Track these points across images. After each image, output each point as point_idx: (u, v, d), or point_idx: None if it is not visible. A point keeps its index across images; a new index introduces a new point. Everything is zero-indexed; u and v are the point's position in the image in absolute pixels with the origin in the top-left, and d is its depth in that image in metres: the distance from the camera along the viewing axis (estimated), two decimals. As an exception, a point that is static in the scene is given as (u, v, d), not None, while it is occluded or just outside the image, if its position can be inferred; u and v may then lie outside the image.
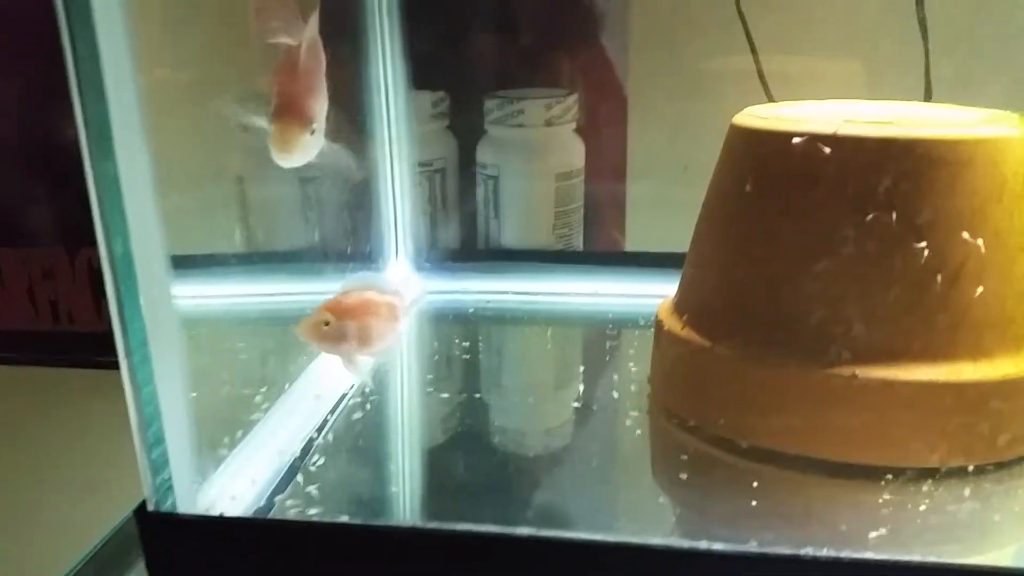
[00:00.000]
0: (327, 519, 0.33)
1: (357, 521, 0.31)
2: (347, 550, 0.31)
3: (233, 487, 0.35)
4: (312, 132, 0.34)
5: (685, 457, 0.39)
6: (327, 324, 0.38)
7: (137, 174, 0.29)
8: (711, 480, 0.37)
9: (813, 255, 0.36)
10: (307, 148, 0.34)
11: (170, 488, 0.31)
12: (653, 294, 0.59)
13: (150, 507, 0.30)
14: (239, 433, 0.39)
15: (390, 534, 0.31)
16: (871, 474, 0.35)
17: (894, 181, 0.35)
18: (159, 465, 0.31)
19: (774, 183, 0.38)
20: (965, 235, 0.35)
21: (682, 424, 0.41)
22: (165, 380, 0.31)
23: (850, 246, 0.36)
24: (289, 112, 0.35)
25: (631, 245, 0.72)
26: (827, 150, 0.36)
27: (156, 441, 0.30)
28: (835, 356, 0.36)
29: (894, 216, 0.35)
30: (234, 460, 0.37)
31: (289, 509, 0.34)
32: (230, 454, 0.37)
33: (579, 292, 0.62)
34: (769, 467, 0.37)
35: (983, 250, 0.36)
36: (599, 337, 0.56)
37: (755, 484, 0.36)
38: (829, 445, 0.36)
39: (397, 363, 0.52)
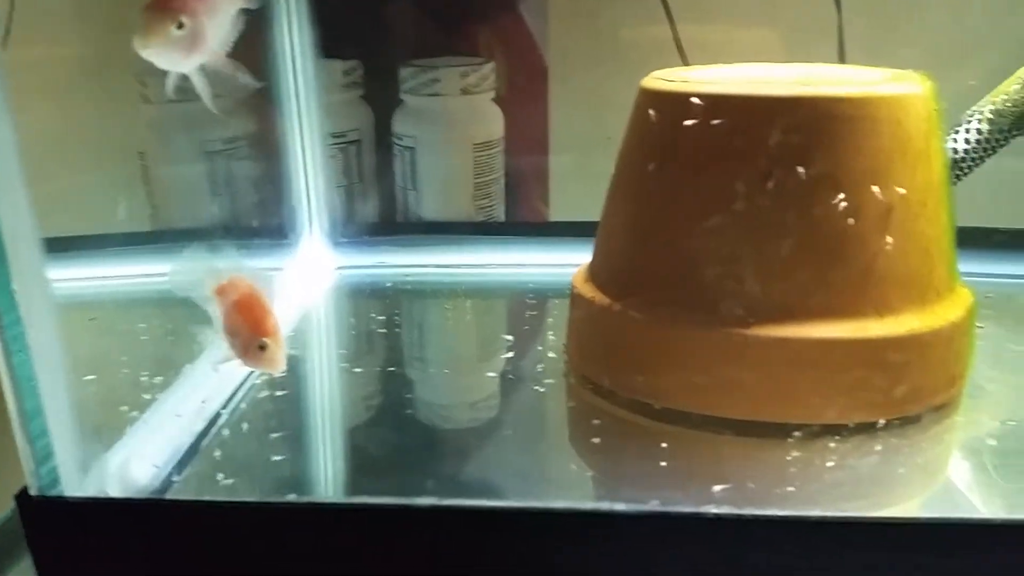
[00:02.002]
0: (226, 497, 0.32)
1: (254, 499, 0.31)
2: (245, 529, 0.30)
3: (128, 469, 0.34)
4: (181, 27, 0.31)
5: (598, 422, 0.39)
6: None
7: (2, 157, 0.27)
8: (623, 443, 0.37)
9: (707, 212, 0.37)
10: (175, 45, 0.31)
11: (55, 472, 0.30)
12: (575, 263, 0.59)
13: (32, 492, 0.29)
14: (135, 414, 0.38)
15: (289, 511, 0.30)
16: (779, 432, 0.36)
17: (793, 138, 0.36)
18: (42, 450, 0.30)
19: (672, 143, 0.38)
20: (875, 189, 0.36)
21: (597, 389, 0.41)
22: (45, 366, 0.29)
23: (744, 202, 0.36)
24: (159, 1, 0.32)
25: (556, 216, 0.72)
26: (724, 109, 0.37)
27: (39, 430, 0.29)
28: (731, 314, 0.36)
29: (798, 173, 0.36)
30: (129, 442, 0.36)
31: (187, 489, 0.33)
32: (124, 435, 0.36)
33: (501, 263, 0.62)
34: (680, 428, 0.37)
35: (886, 206, 0.36)
36: (519, 308, 0.56)
37: (664, 445, 0.36)
38: (732, 404, 0.37)
39: (310, 340, 0.52)
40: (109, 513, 0.30)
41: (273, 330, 0.35)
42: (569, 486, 0.36)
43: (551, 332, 0.50)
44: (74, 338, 0.50)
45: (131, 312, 0.55)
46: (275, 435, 0.40)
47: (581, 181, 0.70)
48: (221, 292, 0.37)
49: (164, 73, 0.34)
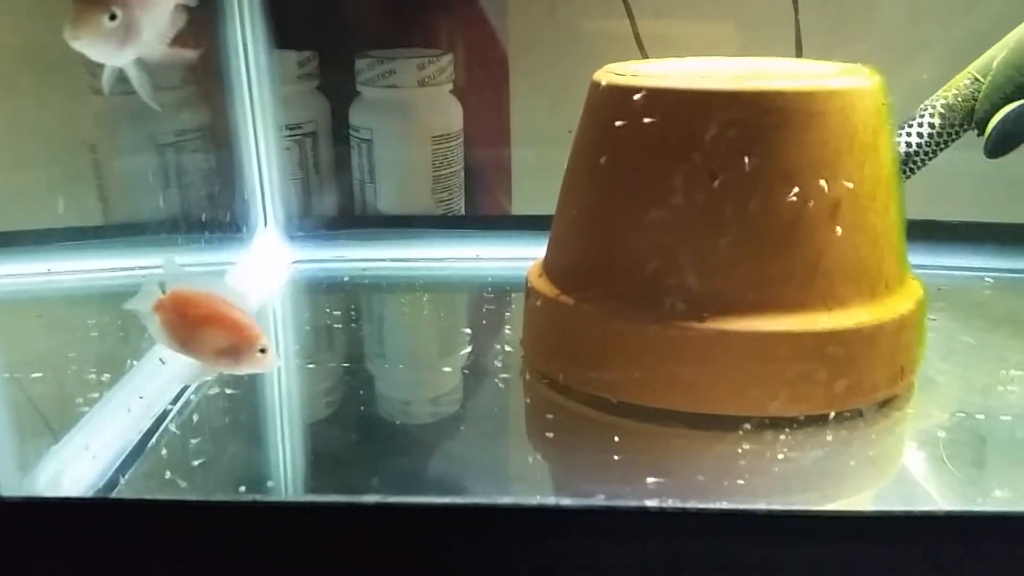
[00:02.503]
0: (172, 496, 0.32)
1: (201, 497, 0.30)
2: (193, 528, 0.30)
3: (72, 467, 0.34)
4: (114, 18, 0.31)
5: (552, 416, 0.39)
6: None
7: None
8: (577, 437, 0.37)
9: (651, 207, 0.37)
10: (107, 37, 0.31)
11: (-9, 472, 0.29)
12: (536, 257, 0.59)
13: (-31, 492, 0.29)
14: (83, 410, 0.37)
15: (239, 509, 0.30)
16: (729, 425, 0.36)
17: (734, 132, 0.36)
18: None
19: (618, 137, 0.39)
20: (822, 183, 0.36)
21: (552, 384, 0.41)
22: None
23: (685, 197, 0.36)
24: None
25: (518, 210, 0.72)
26: (666, 103, 0.37)
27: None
28: (674, 308, 0.37)
29: (740, 166, 0.36)
30: (73, 440, 0.35)
31: (134, 488, 0.33)
32: (69, 434, 0.35)
33: (460, 257, 0.61)
34: (633, 422, 0.38)
35: (834, 199, 0.37)
36: (478, 302, 0.56)
37: (616, 439, 0.36)
38: (680, 397, 0.37)
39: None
40: (49, 513, 0.29)
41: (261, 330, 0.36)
42: (523, 480, 0.36)
43: (509, 326, 0.50)
44: (20, 335, 0.50)
45: (81, 308, 0.54)
46: (227, 433, 0.39)
47: (543, 175, 0.69)
48: (164, 308, 0.37)
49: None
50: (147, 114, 0.61)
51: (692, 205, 0.36)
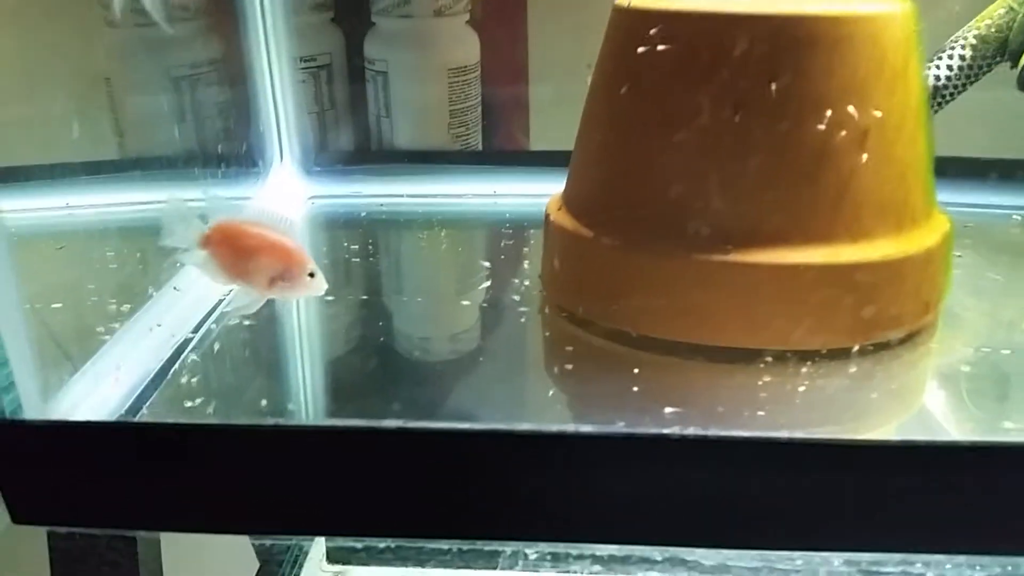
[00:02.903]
0: (193, 420, 0.32)
1: (224, 422, 0.31)
2: (216, 452, 0.30)
3: (93, 395, 0.34)
4: None
5: (571, 349, 0.39)
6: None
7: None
8: (596, 369, 0.37)
9: (674, 133, 0.36)
10: None
11: (14, 396, 0.30)
12: (553, 193, 0.59)
13: (-8, 416, 0.29)
14: (104, 339, 0.38)
15: (259, 432, 0.30)
16: (750, 357, 0.36)
17: (760, 56, 0.35)
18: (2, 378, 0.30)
19: (641, 63, 0.38)
20: (850, 110, 0.36)
21: (572, 318, 0.41)
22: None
23: (710, 123, 0.36)
24: None
25: (536, 146, 0.71)
26: (689, 26, 0.36)
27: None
28: (698, 238, 0.36)
29: (766, 92, 0.35)
30: (95, 368, 0.36)
31: (156, 414, 0.33)
32: (90, 362, 0.36)
33: (478, 193, 0.61)
34: (652, 354, 0.37)
35: (862, 127, 0.36)
36: (496, 237, 0.56)
37: (636, 371, 0.36)
38: (701, 329, 0.37)
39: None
40: (72, 435, 0.30)
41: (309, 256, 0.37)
42: (541, 410, 0.36)
43: (528, 261, 0.50)
44: (41, 267, 0.50)
45: (100, 241, 0.54)
46: (247, 362, 0.40)
47: (561, 109, 0.69)
48: (212, 241, 0.37)
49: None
50: (161, 47, 0.61)
51: (716, 133, 0.36)
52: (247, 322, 0.42)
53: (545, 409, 0.36)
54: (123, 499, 0.30)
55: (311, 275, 0.36)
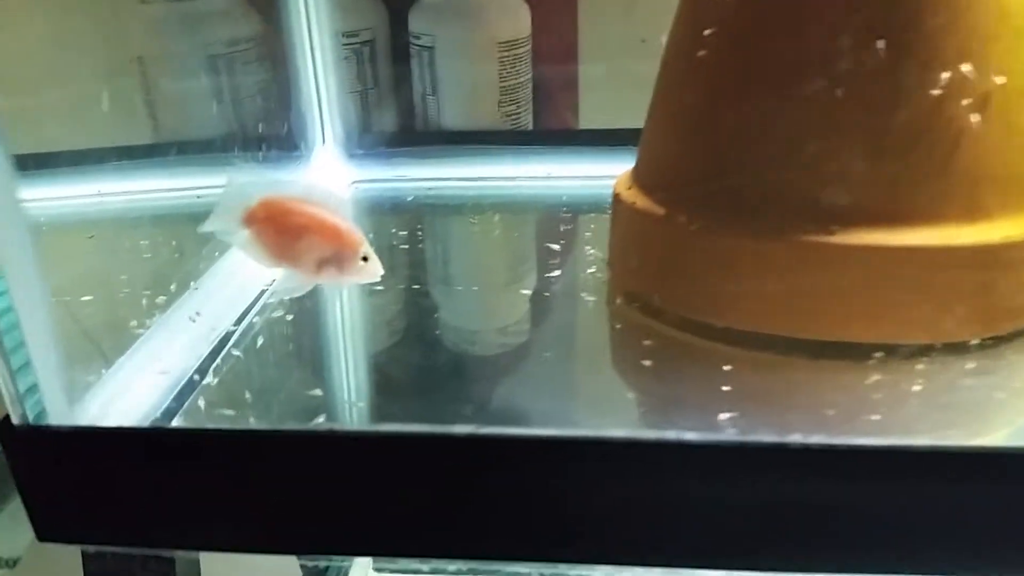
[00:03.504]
0: (236, 426, 0.29)
1: (261, 427, 0.27)
2: (253, 459, 0.27)
3: (126, 394, 0.31)
4: None
5: (648, 343, 0.35)
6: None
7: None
8: (678, 367, 0.34)
9: (772, 99, 0.32)
10: None
11: (38, 400, 0.26)
12: (611, 175, 0.55)
13: (15, 420, 0.26)
14: (139, 332, 0.34)
15: (304, 439, 0.27)
16: (859, 353, 0.32)
17: (874, 12, 0.31)
18: (24, 378, 0.26)
19: (732, 18, 0.34)
20: (966, 69, 0.31)
21: (646, 308, 0.37)
22: (23, 292, 0.26)
23: (816, 86, 0.31)
24: None
25: (585, 124, 0.67)
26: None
27: (15, 348, 0.26)
28: (804, 217, 0.32)
29: (881, 56, 0.31)
30: (128, 365, 0.32)
31: (192, 418, 0.30)
32: (123, 358, 0.33)
33: (530, 176, 0.57)
34: (743, 350, 0.33)
35: (982, 94, 0.32)
36: (552, 222, 0.52)
37: (727, 368, 0.32)
38: (799, 322, 0.32)
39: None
40: (101, 443, 0.26)
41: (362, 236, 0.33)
42: (618, 414, 0.32)
43: (590, 247, 0.46)
44: (70, 258, 0.47)
45: (133, 230, 0.51)
46: (291, 358, 0.36)
47: (613, 86, 0.65)
48: (256, 219, 0.34)
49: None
50: (197, 23, 0.58)
51: (817, 97, 0.32)
52: (289, 316, 0.38)
53: (625, 413, 0.32)
54: (158, 514, 0.27)
55: (364, 259, 0.33)
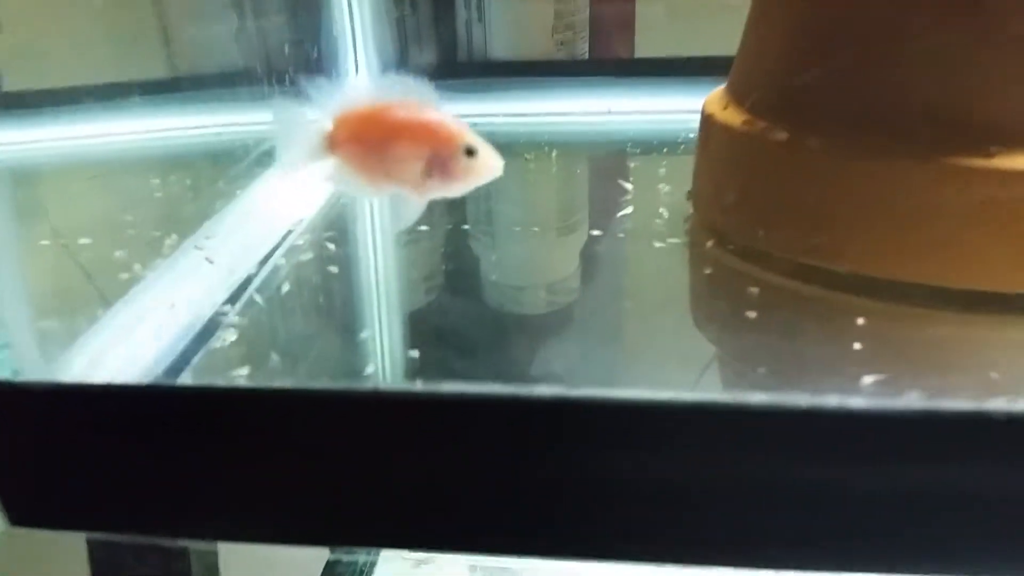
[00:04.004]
0: (257, 384, 0.23)
1: (277, 385, 0.21)
2: (287, 425, 0.21)
3: (122, 346, 0.25)
4: None
5: (753, 290, 0.29)
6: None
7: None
8: (794, 318, 0.28)
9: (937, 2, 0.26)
10: None
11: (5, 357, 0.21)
12: (679, 109, 0.49)
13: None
14: (144, 275, 0.29)
15: (355, 401, 0.21)
16: (1016, 304, 0.26)
17: None
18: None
19: None
20: None
21: (744, 251, 0.31)
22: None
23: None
24: None
25: (641, 54, 0.60)
26: None
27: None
28: (969, 139, 0.26)
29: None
30: (122, 314, 0.27)
31: (201, 373, 0.25)
32: (119, 306, 0.27)
33: (587, 111, 0.51)
34: (871, 300, 0.27)
35: None
36: (614, 160, 0.46)
37: (860, 322, 0.26)
38: (945, 266, 0.26)
39: (358, 204, 0.42)
40: (85, 404, 0.21)
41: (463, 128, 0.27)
42: (732, 373, 0.26)
43: (665, 184, 0.40)
44: (73, 200, 0.42)
45: (146, 170, 0.46)
46: (319, 308, 0.31)
47: (669, 11, 0.58)
48: (338, 140, 0.28)
49: None
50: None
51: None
52: (305, 256, 0.33)
53: (735, 371, 0.26)
54: (155, 494, 0.22)
55: (469, 152, 0.27)
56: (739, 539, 0.20)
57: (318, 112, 0.28)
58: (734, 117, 0.31)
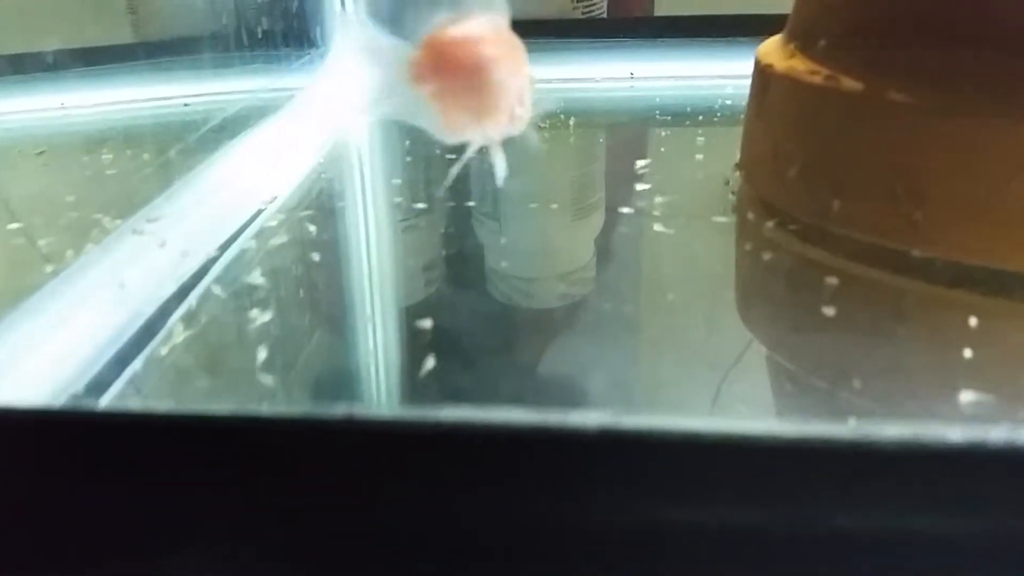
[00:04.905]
0: (196, 409, 0.18)
1: (246, 411, 0.16)
2: (225, 452, 0.16)
3: (29, 359, 0.20)
4: None
5: (829, 280, 0.24)
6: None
7: None
8: (889, 319, 0.22)
9: None
10: None
11: None
12: (710, 74, 0.44)
13: None
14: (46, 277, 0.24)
15: (333, 431, 0.16)
16: None
17: None
18: None
19: None
20: None
21: (808, 232, 0.26)
22: None
23: None
24: None
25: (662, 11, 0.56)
26: None
27: None
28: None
29: None
30: (29, 322, 0.22)
31: (128, 393, 0.20)
32: (38, 304, 0.22)
33: (608, 76, 0.46)
34: (978, 296, 0.22)
35: None
36: (644, 128, 0.41)
37: (973, 323, 0.21)
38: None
39: (348, 169, 0.37)
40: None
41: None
42: (801, 395, 0.21)
43: (700, 154, 0.35)
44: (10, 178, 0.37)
45: (100, 144, 0.41)
46: (293, 305, 0.26)
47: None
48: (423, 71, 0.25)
49: None
50: None
51: None
52: (279, 239, 0.28)
53: (809, 390, 0.21)
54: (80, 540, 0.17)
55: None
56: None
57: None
58: (798, 64, 0.26)
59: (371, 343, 0.24)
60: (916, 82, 0.23)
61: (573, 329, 0.24)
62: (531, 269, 0.29)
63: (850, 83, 0.24)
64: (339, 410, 0.15)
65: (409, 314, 0.25)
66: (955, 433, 0.13)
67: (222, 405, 0.17)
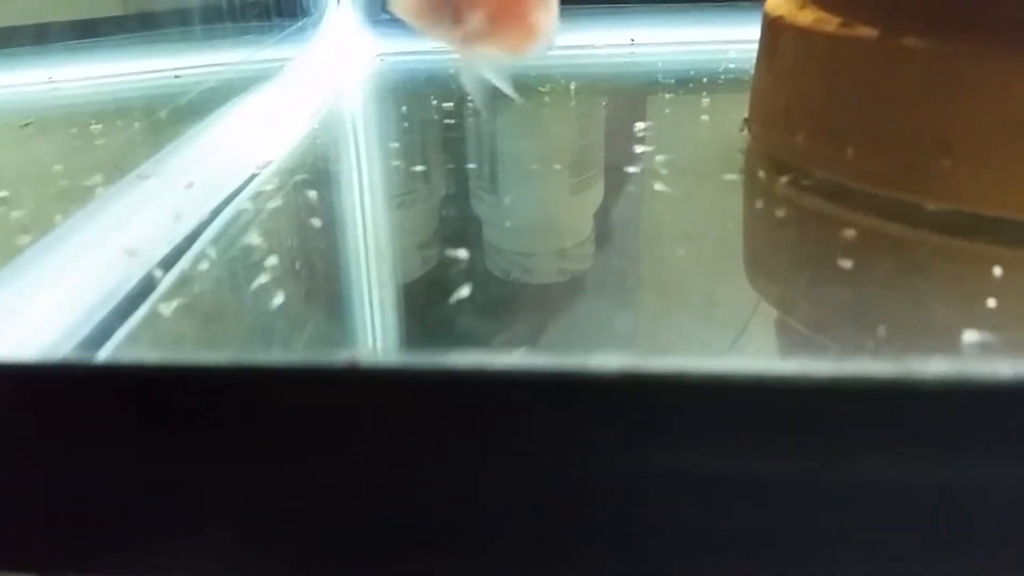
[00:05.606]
0: (191, 359, 0.17)
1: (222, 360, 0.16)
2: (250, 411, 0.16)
3: (27, 313, 0.20)
4: None
5: (847, 234, 0.23)
6: None
7: None
8: (909, 272, 0.22)
9: None
10: None
11: None
12: (712, 39, 0.44)
13: None
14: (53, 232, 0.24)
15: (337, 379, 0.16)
16: None
17: None
18: None
19: None
20: None
21: (821, 187, 0.26)
22: None
23: None
24: None
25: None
26: None
27: None
28: None
29: None
30: (32, 270, 0.21)
31: (127, 347, 0.19)
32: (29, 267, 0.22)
33: (608, 43, 0.46)
34: (1000, 247, 0.22)
35: None
36: (646, 91, 0.40)
37: (998, 272, 0.21)
38: None
39: (342, 133, 0.37)
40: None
41: None
42: (823, 346, 0.20)
43: (705, 115, 0.34)
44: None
45: (90, 117, 0.40)
46: (286, 268, 0.25)
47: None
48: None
49: None
50: None
51: None
52: (274, 203, 0.27)
53: (840, 335, 0.20)
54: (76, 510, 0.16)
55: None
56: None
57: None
58: (810, 15, 0.26)
59: (346, 285, 0.24)
60: (935, 26, 0.22)
61: (585, 287, 0.24)
62: (530, 245, 0.29)
63: (865, 29, 0.24)
64: (342, 357, 0.15)
65: (409, 256, 0.25)
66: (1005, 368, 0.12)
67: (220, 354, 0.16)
